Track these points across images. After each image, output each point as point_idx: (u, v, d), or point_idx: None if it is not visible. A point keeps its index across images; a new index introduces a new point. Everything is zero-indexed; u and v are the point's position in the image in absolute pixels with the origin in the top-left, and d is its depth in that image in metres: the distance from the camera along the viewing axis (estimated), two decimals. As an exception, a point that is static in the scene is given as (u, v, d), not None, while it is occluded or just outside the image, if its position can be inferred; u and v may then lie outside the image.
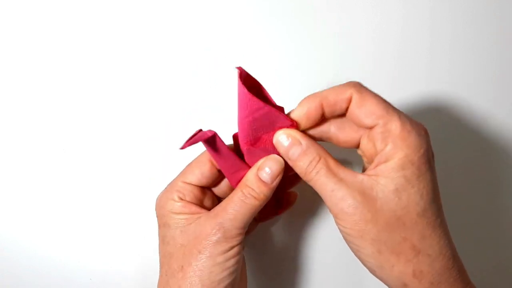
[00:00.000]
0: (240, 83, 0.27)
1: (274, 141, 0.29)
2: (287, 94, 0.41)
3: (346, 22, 0.42)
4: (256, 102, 0.27)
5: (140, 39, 0.41)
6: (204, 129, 0.29)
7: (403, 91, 0.42)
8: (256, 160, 0.30)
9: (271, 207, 0.33)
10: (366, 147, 0.29)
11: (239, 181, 0.30)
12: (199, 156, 0.32)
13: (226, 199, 0.30)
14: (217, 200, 0.33)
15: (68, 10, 0.41)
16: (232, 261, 0.29)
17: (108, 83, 0.40)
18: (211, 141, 0.29)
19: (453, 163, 0.41)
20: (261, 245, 0.40)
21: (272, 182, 0.29)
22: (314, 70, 0.42)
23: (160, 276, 0.31)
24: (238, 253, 0.29)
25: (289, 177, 0.32)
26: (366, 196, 0.26)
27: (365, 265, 0.27)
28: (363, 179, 0.26)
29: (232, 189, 0.32)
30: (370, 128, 0.27)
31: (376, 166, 0.26)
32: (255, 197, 0.29)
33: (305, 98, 0.29)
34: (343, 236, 0.28)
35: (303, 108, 0.29)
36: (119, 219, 0.39)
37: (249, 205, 0.29)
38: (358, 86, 0.28)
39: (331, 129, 0.30)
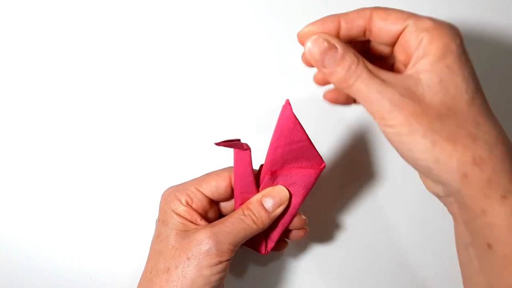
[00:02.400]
0: (292, 113, 0.28)
1: (306, 49, 0.26)
2: (288, 94, 0.41)
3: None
4: (301, 134, 0.28)
5: (139, 39, 0.41)
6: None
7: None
8: None
9: (260, 241, 0.34)
10: (399, 53, 0.28)
11: (243, 202, 0.31)
12: (220, 170, 0.32)
13: (227, 216, 0.31)
14: (220, 215, 0.34)
15: (68, 10, 0.41)
16: (216, 277, 0.29)
17: (108, 84, 0.40)
18: (244, 154, 0.30)
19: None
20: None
21: (273, 210, 0.31)
22: (315, 71, 0.42)
23: (145, 271, 0.31)
24: (224, 270, 0.29)
25: (287, 227, 0.33)
26: (413, 93, 0.24)
27: (418, 166, 0.25)
28: (405, 78, 0.25)
29: (233, 209, 0.33)
30: (399, 35, 0.26)
31: (415, 63, 0.25)
32: (253, 220, 0.30)
33: (323, 17, 0.28)
34: (392, 140, 0.26)
35: (318, 27, 0.27)
36: (119, 219, 0.39)
37: (246, 225, 0.30)
38: (377, 7, 0.27)
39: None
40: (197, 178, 0.32)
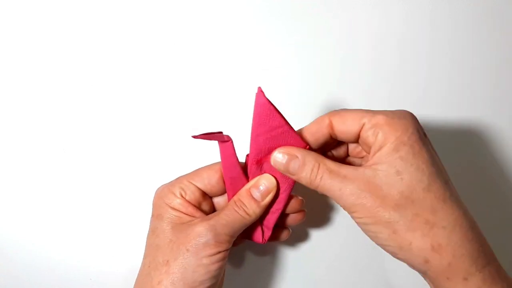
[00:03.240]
0: (266, 99, 0.28)
1: (272, 162, 0.30)
2: (288, 93, 0.41)
3: (347, 23, 0.42)
4: (278, 120, 0.29)
5: (139, 39, 0.41)
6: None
7: (403, 92, 0.42)
8: None
9: (256, 231, 0.34)
10: (363, 146, 0.30)
11: (234, 194, 0.32)
12: (213, 164, 0.33)
13: (222, 208, 0.32)
14: (214, 209, 0.34)
15: (68, 10, 0.40)
16: (216, 266, 0.30)
17: (107, 84, 0.40)
18: (226, 146, 0.30)
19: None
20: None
21: (263, 199, 0.31)
22: (315, 70, 0.42)
23: (143, 266, 0.31)
24: (223, 259, 0.30)
25: (283, 212, 0.33)
26: (371, 185, 0.27)
27: (386, 250, 0.28)
28: (364, 171, 0.27)
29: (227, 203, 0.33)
30: (359, 133, 0.29)
31: (373, 156, 0.28)
32: (246, 212, 0.31)
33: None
34: (360, 227, 0.28)
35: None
36: (119, 219, 0.39)
37: (240, 216, 0.31)
38: (333, 111, 0.30)
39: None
40: (189, 172, 0.33)
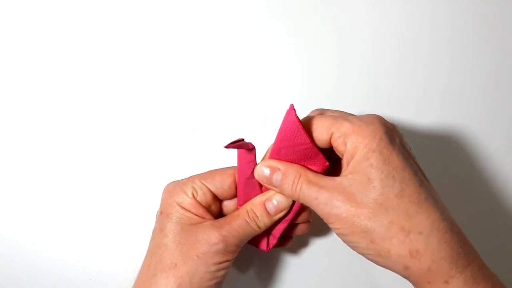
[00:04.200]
0: (296, 117, 0.28)
1: (256, 176, 0.30)
2: (288, 93, 0.41)
3: (347, 23, 0.42)
4: (304, 137, 0.29)
5: (139, 39, 0.41)
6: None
7: (403, 92, 0.42)
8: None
9: (262, 238, 0.34)
10: (337, 152, 0.30)
11: (246, 201, 0.32)
12: (226, 168, 0.33)
13: (232, 214, 0.32)
14: (221, 211, 0.34)
15: (68, 10, 0.40)
16: (222, 272, 0.30)
17: (108, 84, 0.40)
18: (248, 153, 0.30)
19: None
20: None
21: (276, 214, 0.31)
22: (315, 70, 0.42)
23: (147, 265, 0.31)
24: (229, 266, 0.31)
25: (289, 225, 0.33)
26: (346, 194, 0.27)
27: (366, 258, 0.28)
28: (341, 181, 0.28)
29: (236, 208, 0.33)
30: (331, 141, 0.29)
31: (347, 165, 0.28)
32: (257, 224, 0.31)
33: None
34: (339, 237, 0.28)
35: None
36: (119, 219, 0.39)
37: (251, 228, 0.31)
38: (306, 118, 0.30)
39: None
40: (201, 173, 0.33)
